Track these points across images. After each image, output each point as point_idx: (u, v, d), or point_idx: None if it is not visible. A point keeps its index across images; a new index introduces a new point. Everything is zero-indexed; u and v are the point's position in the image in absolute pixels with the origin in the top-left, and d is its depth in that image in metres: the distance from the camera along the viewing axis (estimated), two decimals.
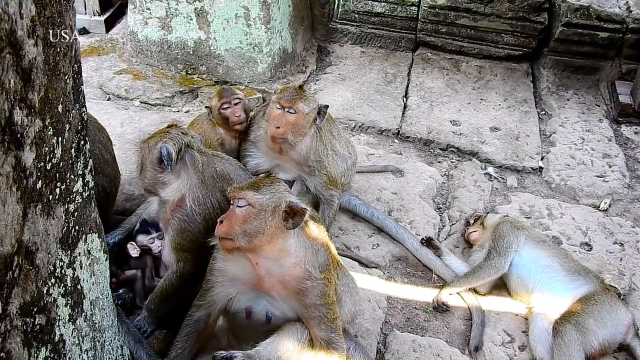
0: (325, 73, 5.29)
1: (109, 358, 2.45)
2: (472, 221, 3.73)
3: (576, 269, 3.25)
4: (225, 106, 3.49)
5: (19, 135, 1.64)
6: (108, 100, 4.71)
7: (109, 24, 5.37)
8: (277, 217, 2.49)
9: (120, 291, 3.09)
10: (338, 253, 3.46)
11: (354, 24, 5.52)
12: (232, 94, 3.52)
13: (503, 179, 4.38)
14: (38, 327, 1.90)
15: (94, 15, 5.31)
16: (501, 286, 3.44)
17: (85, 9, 5.28)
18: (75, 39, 1.91)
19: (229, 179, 3.00)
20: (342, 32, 5.58)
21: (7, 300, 1.70)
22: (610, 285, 3.33)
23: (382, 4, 5.37)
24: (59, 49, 1.79)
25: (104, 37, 5.35)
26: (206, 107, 3.68)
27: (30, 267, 1.81)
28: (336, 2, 5.44)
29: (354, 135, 4.68)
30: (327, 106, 3.40)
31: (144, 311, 3.02)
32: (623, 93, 5.05)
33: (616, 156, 4.61)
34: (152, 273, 3.16)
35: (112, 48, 5.19)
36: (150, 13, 4.77)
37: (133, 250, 3.16)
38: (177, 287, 2.98)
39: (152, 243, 3.14)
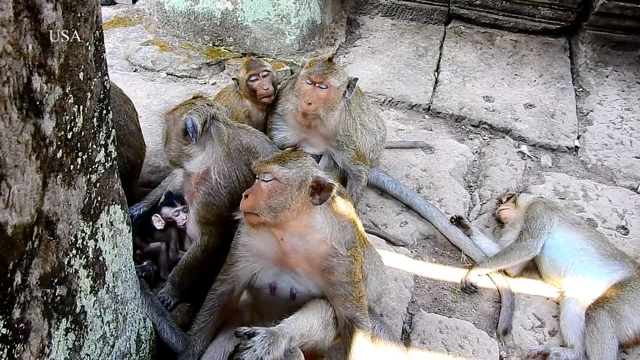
0: (355, 46, 5.22)
1: (131, 330, 2.45)
2: (504, 199, 3.65)
3: (611, 253, 3.17)
4: (253, 78, 3.45)
5: (38, 103, 1.62)
6: (134, 71, 4.70)
7: None
8: (303, 192, 2.46)
9: (144, 263, 3.11)
10: (365, 230, 3.45)
11: None
12: (260, 66, 3.48)
13: (537, 157, 4.28)
14: (59, 298, 1.90)
15: None
16: (532, 269, 3.38)
17: None
18: (97, 4, 1.87)
19: (255, 152, 2.96)
20: (372, 3, 5.49)
21: (27, 271, 1.70)
22: None
23: None
24: (79, 14, 1.75)
25: (131, 8, 5.34)
26: (233, 79, 3.65)
27: (51, 238, 1.80)
28: None
29: (383, 110, 4.61)
30: (356, 79, 3.34)
31: (167, 284, 3.03)
32: None
33: None
34: (177, 246, 3.16)
35: (139, 19, 5.17)
36: None
37: (157, 223, 3.16)
38: (201, 260, 2.98)
39: (176, 216, 3.13)
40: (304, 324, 2.49)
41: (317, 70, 3.23)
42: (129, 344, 2.42)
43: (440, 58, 5.15)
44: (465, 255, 3.49)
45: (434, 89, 4.82)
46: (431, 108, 4.64)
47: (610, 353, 2.84)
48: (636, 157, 4.29)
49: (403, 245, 3.52)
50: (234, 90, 3.58)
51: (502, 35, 5.40)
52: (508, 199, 3.63)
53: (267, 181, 2.46)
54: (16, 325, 1.70)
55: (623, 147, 4.37)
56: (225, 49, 4.83)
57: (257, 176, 2.52)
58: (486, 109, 4.63)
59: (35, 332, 1.76)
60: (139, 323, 2.53)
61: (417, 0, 5.43)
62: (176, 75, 4.66)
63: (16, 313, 1.67)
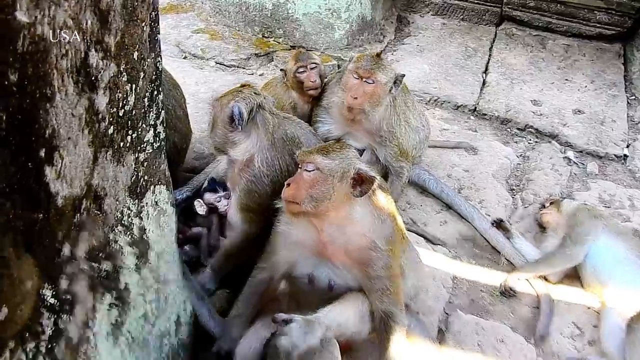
0: (404, 44, 5.21)
1: (172, 312, 2.50)
2: (547, 204, 3.61)
3: None
4: (301, 70, 3.48)
5: (93, 78, 1.67)
6: (184, 58, 4.77)
7: None
8: (344, 184, 2.47)
9: (186, 248, 3.16)
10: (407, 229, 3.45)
11: None
12: (308, 58, 3.50)
13: (583, 164, 4.22)
14: (104, 273, 1.97)
15: None
16: (573, 276, 3.33)
17: None
18: None
19: (299, 143, 2.98)
20: (423, 1, 5.48)
21: (75, 244, 1.75)
22: None
23: None
24: None
25: None
26: (281, 70, 3.68)
27: (98, 212, 1.85)
28: None
29: (428, 109, 4.60)
30: (403, 75, 3.34)
31: (207, 269, 3.07)
32: None
33: None
34: (218, 232, 3.20)
35: (191, 7, 5.24)
36: None
37: (200, 208, 3.21)
38: (241, 247, 3.01)
39: (218, 202, 3.17)
40: (341, 315, 2.51)
41: (364, 65, 3.23)
42: (169, 324, 2.47)
43: (489, 59, 5.11)
44: (505, 258, 3.46)
45: (481, 90, 4.78)
46: (477, 109, 4.61)
47: None
48: None
49: (442, 245, 3.51)
50: (281, 81, 3.61)
51: (555, 39, 5.33)
52: (551, 203, 3.59)
53: (309, 171, 2.48)
54: (63, 297, 1.75)
55: None
56: (274, 40, 4.86)
57: (300, 166, 2.54)
58: (533, 112, 4.57)
59: (81, 305, 1.82)
60: (180, 305, 2.57)
61: (469, 0, 5.38)
62: (225, 65, 4.71)
63: (63, 284, 1.72)
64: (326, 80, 3.60)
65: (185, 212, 3.25)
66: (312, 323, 2.35)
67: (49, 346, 1.67)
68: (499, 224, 3.55)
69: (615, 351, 2.92)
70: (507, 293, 3.25)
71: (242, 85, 3.04)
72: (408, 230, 3.47)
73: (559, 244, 3.29)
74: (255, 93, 2.99)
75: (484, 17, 5.41)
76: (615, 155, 4.28)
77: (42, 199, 1.54)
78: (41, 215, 1.54)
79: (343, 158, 2.52)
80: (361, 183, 2.48)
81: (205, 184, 3.26)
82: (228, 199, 3.15)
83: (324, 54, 4.77)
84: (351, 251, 2.57)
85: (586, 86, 4.88)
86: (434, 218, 3.67)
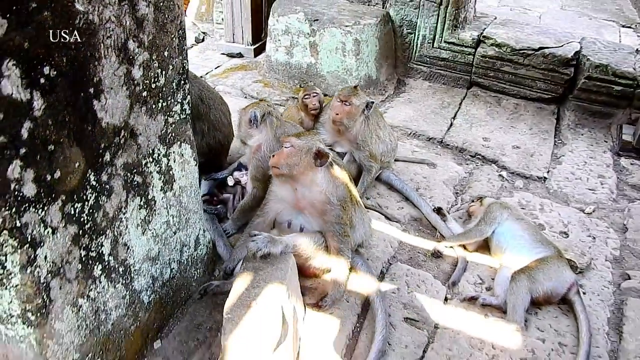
0: (399, 97, 5.45)
1: (191, 232, 2.67)
2: (475, 200, 3.74)
3: (540, 239, 3.21)
4: (306, 97, 3.81)
5: (130, 57, 1.96)
6: (244, 97, 5.17)
7: (257, 52, 5.87)
8: (309, 156, 2.74)
9: (218, 207, 3.46)
10: (372, 208, 3.66)
11: (426, 65, 5.61)
12: (312, 90, 3.84)
13: (512, 181, 4.31)
14: (136, 182, 2.14)
15: (247, 45, 5.84)
16: (485, 248, 3.43)
17: (243, 40, 5.82)
18: (181, 14, 2.25)
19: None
20: (416, 70, 5.68)
21: (114, 155, 1.98)
22: (570, 260, 3.25)
23: (447, 51, 5.44)
24: (166, 15, 2.12)
25: (252, 60, 5.86)
26: (294, 97, 4.01)
27: (133, 143, 2.10)
28: (414, 49, 5.57)
29: (408, 139, 4.79)
30: (373, 102, 3.60)
31: (229, 220, 3.36)
32: (627, 133, 4.79)
33: (609, 178, 4.38)
34: (240, 197, 3.49)
35: (255, 67, 5.68)
36: (280, 43, 5.21)
37: (230, 181, 3.54)
38: (251, 205, 3.28)
39: (242, 177, 3.50)
40: (298, 240, 2.74)
41: (344, 92, 3.53)
42: (189, 239, 2.65)
43: (458, 110, 5.26)
44: (439, 233, 3.59)
45: (448, 129, 4.94)
46: (443, 141, 4.77)
47: (521, 303, 2.89)
48: (589, 189, 4.23)
49: (397, 222, 3.66)
50: (295, 105, 3.94)
51: (508, 99, 5.42)
52: (478, 199, 3.72)
53: (287, 147, 2.78)
54: (102, 185, 1.93)
55: (580, 181, 4.32)
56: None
57: (282, 145, 2.84)
58: (483, 145, 4.70)
59: (116, 195, 2.01)
60: (199, 230, 2.75)
61: (448, 70, 5.58)
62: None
63: (103, 177, 1.93)
64: (324, 104, 3.90)
65: (221, 184, 3.59)
66: (275, 240, 2.60)
67: (90, 210, 1.94)
68: (438, 211, 3.70)
69: (500, 292, 3.03)
70: (436, 255, 3.38)
71: (260, 100, 3.39)
72: (374, 210, 3.69)
73: (476, 223, 3.42)
74: (267, 105, 3.34)
75: (458, 82, 5.59)
76: (537, 176, 4.35)
77: (90, 118, 1.85)
78: (89, 127, 1.86)
79: (309, 140, 2.81)
80: (320, 157, 2.75)
81: (235, 166, 3.60)
82: (247, 175, 3.46)
83: None
84: (315, 204, 2.83)
85: (525, 132, 4.96)
86: (394, 204, 3.85)
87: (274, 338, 2.19)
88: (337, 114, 3.49)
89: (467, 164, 4.51)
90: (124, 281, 2.19)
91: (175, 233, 2.53)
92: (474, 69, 5.45)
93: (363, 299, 2.95)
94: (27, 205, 1.64)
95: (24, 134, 1.57)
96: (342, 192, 2.86)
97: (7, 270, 1.65)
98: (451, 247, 3.42)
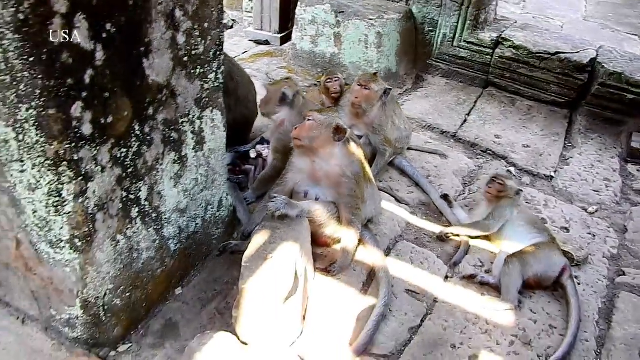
0: (417, 91, 5.64)
1: (216, 193, 2.89)
2: (498, 183, 3.62)
3: (537, 227, 3.39)
4: (328, 81, 4.04)
5: (176, 24, 2.16)
6: (269, 82, 5.41)
7: (283, 40, 6.11)
8: (328, 131, 2.96)
9: (240, 177, 3.69)
10: (383, 190, 3.86)
11: (444, 63, 5.79)
12: (334, 74, 4.06)
13: (519, 177, 4.49)
14: (172, 138, 2.34)
15: (274, 33, 6.07)
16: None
17: (270, 28, 6.06)
18: None
19: None
20: (435, 67, 5.86)
21: (156, 110, 2.19)
22: (567, 252, 3.42)
23: (466, 51, 5.62)
24: None
25: (278, 48, 6.10)
26: (317, 81, 4.23)
27: (173, 102, 2.31)
28: (434, 46, 5.76)
29: (422, 131, 4.97)
30: (390, 89, 3.81)
31: (250, 189, 3.59)
32: (636, 141, 4.93)
33: (615, 182, 4.53)
34: (261, 168, 3.72)
35: (280, 54, 5.91)
36: (306, 32, 5.44)
37: (252, 153, 3.77)
38: (271, 175, 3.49)
39: (264, 150, 3.73)
40: (314, 207, 2.97)
41: (364, 77, 3.75)
42: (213, 199, 2.88)
43: (473, 108, 5.43)
44: (446, 219, 3.79)
45: (461, 124, 5.12)
46: (456, 135, 4.95)
47: (514, 284, 3.09)
48: (593, 190, 4.38)
49: (406, 205, 3.86)
50: (317, 89, 4.17)
51: (522, 100, 5.58)
52: (498, 182, 3.61)
53: (309, 121, 3.00)
54: (145, 135, 2.15)
55: (586, 182, 4.47)
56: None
57: (305, 118, 3.05)
58: (494, 142, 4.88)
59: (155, 147, 2.23)
60: (223, 193, 2.97)
61: (465, 69, 5.75)
62: None
63: (146, 129, 2.14)
64: (345, 89, 4.12)
65: (244, 155, 3.82)
66: (293, 203, 2.83)
67: (133, 157, 2.15)
68: (445, 197, 3.89)
69: (497, 273, 3.22)
70: (441, 238, 3.57)
71: (286, 78, 3.62)
72: (385, 192, 3.90)
73: (485, 217, 3.54)
74: (295, 84, 3.57)
75: (475, 81, 5.75)
76: (544, 175, 4.52)
77: (139, 74, 2.08)
78: (138, 82, 2.09)
79: (330, 116, 3.03)
80: (339, 132, 2.97)
81: (259, 140, 3.84)
82: (269, 149, 3.69)
83: None
84: (331, 177, 3.05)
85: (536, 132, 5.13)
86: (404, 189, 4.05)
87: (285, 289, 2.42)
88: (357, 98, 3.71)
89: (478, 158, 4.69)
90: (155, 226, 2.44)
91: (202, 191, 2.76)
92: (491, 69, 5.62)
93: (369, 270, 3.16)
94: (83, 142, 1.88)
95: (87, 79, 1.82)
96: (357, 168, 3.08)
97: (62, 198, 1.90)
98: (457, 235, 3.58)
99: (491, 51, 5.53)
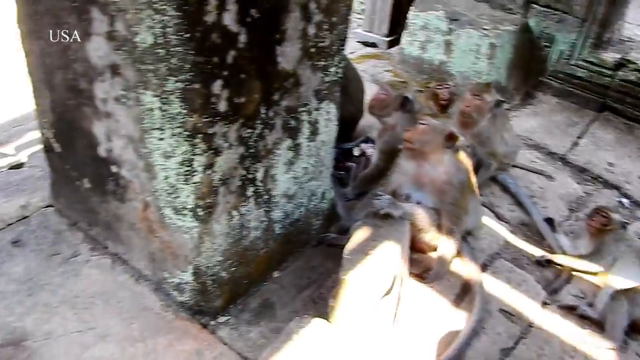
0: (525, 108, 5.43)
1: (321, 184, 2.96)
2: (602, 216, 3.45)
3: None
4: (438, 87, 4.01)
5: (309, 15, 2.22)
6: (374, 83, 5.44)
7: (390, 44, 6.13)
8: (440, 137, 2.95)
9: (342, 173, 3.75)
10: (483, 205, 3.76)
11: (558, 81, 5.55)
12: (444, 81, 4.04)
13: (631, 211, 4.21)
14: (290, 125, 2.44)
15: (383, 36, 6.12)
16: None
17: (379, 31, 6.11)
18: None
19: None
20: (547, 85, 5.63)
21: (281, 97, 2.28)
22: None
23: (583, 71, 5.36)
24: None
25: (384, 51, 6.13)
26: (425, 87, 4.22)
27: (296, 90, 2.37)
28: (548, 63, 5.55)
29: (528, 150, 4.79)
30: (502, 101, 3.72)
31: (350, 186, 3.63)
32: None
33: None
34: (363, 167, 3.76)
35: (387, 57, 5.94)
36: (416, 37, 5.43)
37: (356, 151, 3.83)
38: (373, 175, 3.53)
39: (368, 150, 3.78)
40: (416, 211, 2.97)
41: (477, 87, 3.69)
42: (318, 190, 2.95)
43: (585, 131, 5.13)
44: (548, 243, 3.60)
45: (571, 147, 4.86)
46: (564, 158, 4.70)
47: (620, 322, 2.90)
48: None
49: (506, 222, 3.73)
50: (424, 95, 4.16)
51: None
52: (605, 219, 3.43)
53: (423, 124, 3.00)
54: (268, 120, 2.26)
55: None
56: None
57: (418, 122, 3.05)
58: (606, 169, 4.61)
59: (276, 131, 2.34)
60: (327, 186, 3.05)
61: (580, 90, 5.47)
62: None
63: (270, 113, 2.25)
64: (454, 98, 4.07)
65: (347, 153, 3.89)
66: (397, 204, 2.85)
67: (256, 138, 2.24)
68: (549, 221, 3.71)
69: (602, 310, 3.02)
70: (541, 263, 3.40)
71: (402, 81, 3.64)
72: (485, 207, 3.81)
73: (591, 251, 3.35)
74: (414, 90, 3.59)
75: (589, 103, 5.45)
76: None
77: (272, 60, 2.18)
78: (269, 67, 2.21)
79: (443, 122, 3.02)
80: (451, 139, 2.95)
81: (363, 138, 3.89)
82: (373, 148, 3.73)
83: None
84: (436, 183, 3.03)
85: None
86: (505, 206, 3.92)
87: (384, 287, 2.45)
88: (467, 106, 3.66)
89: (587, 185, 4.45)
90: (265, 208, 2.55)
91: (309, 180, 2.85)
92: (610, 92, 5.31)
93: (463, 283, 3.11)
94: (218, 118, 2.02)
95: (229, 59, 1.95)
96: (463, 177, 3.04)
97: (192, 168, 2.05)
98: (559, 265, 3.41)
99: (612, 73, 5.24)
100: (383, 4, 5.94)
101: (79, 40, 2.04)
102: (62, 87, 2.30)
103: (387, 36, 6.09)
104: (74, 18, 2.00)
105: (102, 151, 2.33)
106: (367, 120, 4.16)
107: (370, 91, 4.21)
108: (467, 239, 3.34)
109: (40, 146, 3.35)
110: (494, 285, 3.15)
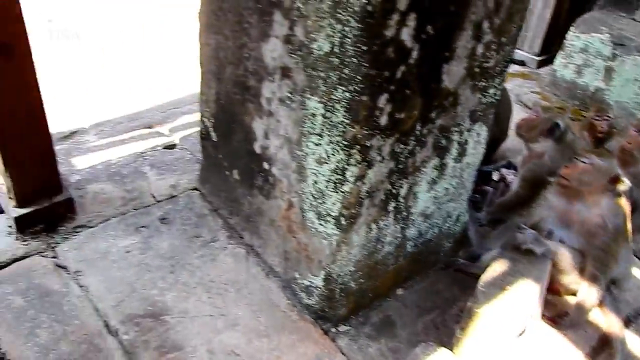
0: None
1: (458, 207, 2.87)
2: None
3: None
4: (597, 118, 3.71)
5: (479, 35, 2.11)
6: (518, 104, 5.16)
7: (540, 64, 5.80)
8: (604, 179, 2.72)
9: (477, 195, 3.59)
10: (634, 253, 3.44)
11: None
12: (605, 112, 3.72)
13: None
14: (441, 144, 2.38)
15: (533, 55, 5.80)
16: None
17: (530, 49, 5.81)
18: (526, 6, 2.40)
19: (575, 152, 3.23)
20: None
21: (438, 115, 2.22)
22: None
23: None
24: (517, 4, 2.25)
25: (533, 70, 5.81)
26: (571, 118, 3.90)
27: (452, 110, 2.28)
28: None
29: None
30: None
31: (484, 211, 3.47)
32: None
33: None
34: (500, 193, 3.59)
35: (535, 78, 5.62)
36: (572, 60, 5.08)
37: (495, 176, 3.67)
38: (512, 203, 3.34)
39: (508, 175, 3.60)
40: (560, 250, 2.77)
41: None
42: (454, 212, 2.86)
43: None
44: None
45: None
46: None
47: None
48: None
49: None
50: (581, 124, 3.86)
51: None
52: None
53: (585, 162, 2.78)
54: (421, 137, 2.21)
55: None
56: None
57: (579, 159, 2.82)
58: None
59: (426, 149, 2.28)
60: (463, 210, 2.96)
61: None
62: None
63: (424, 131, 2.20)
64: (612, 132, 3.74)
65: (484, 175, 3.73)
66: (541, 240, 2.67)
67: (407, 154, 2.18)
68: None
69: None
70: None
71: (559, 107, 3.41)
72: (636, 256, 3.46)
73: None
74: (569, 118, 3.36)
75: None
76: None
77: (436, 77, 2.13)
78: (432, 84, 2.17)
79: (610, 162, 2.78)
80: (615, 182, 2.71)
81: (504, 163, 3.71)
82: (515, 176, 3.54)
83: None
84: (586, 224, 2.80)
85: None
86: None
87: (518, 326, 2.32)
88: (629, 143, 3.35)
89: None
90: (402, 224, 2.53)
91: (448, 201, 2.78)
92: None
93: (602, 335, 2.85)
94: (378, 131, 2.02)
95: (398, 74, 1.94)
96: (620, 223, 2.78)
97: (344, 177, 2.08)
98: None
99: None
100: (539, 21, 5.62)
101: (256, 39, 2.15)
102: (230, 82, 2.44)
103: (538, 55, 5.77)
104: (256, 19, 2.11)
105: (257, 147, 2.45)
106: (511, 143, 3.98)
107: (515, 112, 4.03)
108: (611, 288, 3.07)
109: (191, 130, 3.64)
110: (637, 344, 2.87)
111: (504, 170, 3.64)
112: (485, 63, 2.38)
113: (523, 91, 5.35)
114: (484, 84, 2.47)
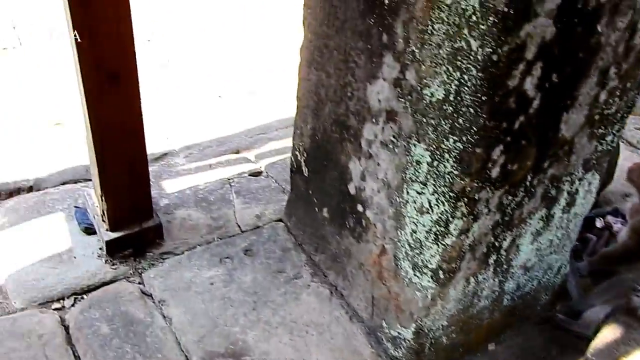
0: None
1: (560, 259, 2.69)
2: None
3: None
4: None
5: (605, 81, 1.96)
6: (622, 142, 4.83)
7: None
8: None
9: (577, 243, 3.34)
10: None
11: None
12: None
13: None
14: (550, 195, 2.22)
15: None
16: None
17: None
18: None
19: None
20: None
21: (550, 165, 2.07)
22: None
23: None
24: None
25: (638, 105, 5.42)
26: None
27: (566, 159, 2.11)
28: None
29: None
30: None
31: (585, 261, 3.21)
32: None
33: None
34: (605, 242, 3.32)
35: None
36: None
37: (599, 223, 3.38)
38: (619, 254, 3.09)
39: (615, 224, 3.32)
40: None
41: None
42: (556, 264, 2.67)
43: None
44: None
45: None
46: None
47: None
48: None
49: None
50: None
51: None
52: None
53: None
54: (531, 188, 2.07)
55: None
56: None
57: None
58: None
59: (534, 200, 2.14)
60: (565, 260, 2.77)
61: None
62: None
63: (534, 181, 2.05)
64: None
65: (587, 221, 3.45)
66: None
67: (514, 206, 2.01)
68: None
69: None
70: None
71: None
72: None
73: None
74: None
75: None
76: None
77: (555, 127, 1.93)
78: (549, 134, 2.02)
79: None
80: None
81: (610, 209, 3.44)
82: (623, 225, 3.27)
83: None
84: None
85: None
86: None
87: None
88: None
89: None
90: (501, 277, 2.37)
91: (551, 254, 2.59)
92: None
93: None
94: (488, 184, 1.90)
95: (516, 124, 1.81)
96: None
97: (446, 230, 1.96)
98: None
99: None
100: None
101: (361, 80, 2.08)
102: (329, 119, 2.39)
103: None
104: (364, 59, 2.04)
105: (352, 188, 2.37)
106: (614, 186, 3.69)
107: (624, 154, 3.75)
108: None
109: (277, 157, 3.63)
110: None
111: (610, 218, 3.36)
112: (606, 110, 2.19)
113: (627, 127, 4.98)
114: (602, 131, 2.28)
